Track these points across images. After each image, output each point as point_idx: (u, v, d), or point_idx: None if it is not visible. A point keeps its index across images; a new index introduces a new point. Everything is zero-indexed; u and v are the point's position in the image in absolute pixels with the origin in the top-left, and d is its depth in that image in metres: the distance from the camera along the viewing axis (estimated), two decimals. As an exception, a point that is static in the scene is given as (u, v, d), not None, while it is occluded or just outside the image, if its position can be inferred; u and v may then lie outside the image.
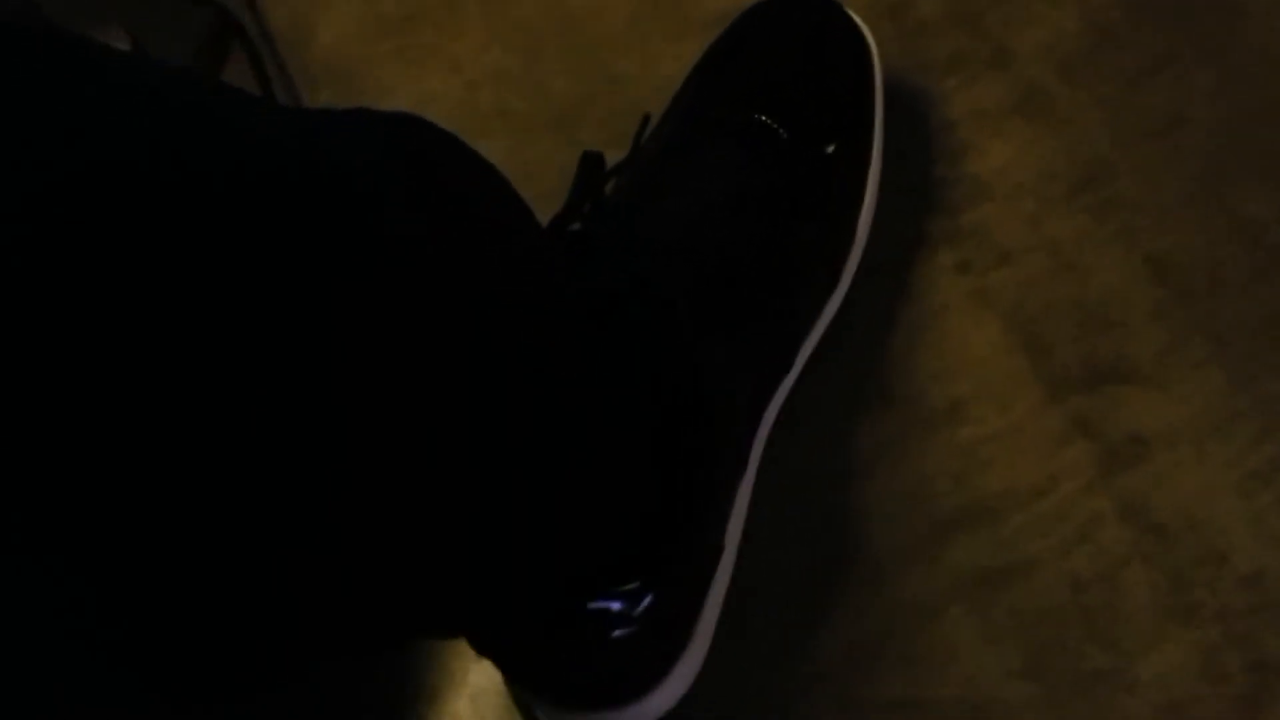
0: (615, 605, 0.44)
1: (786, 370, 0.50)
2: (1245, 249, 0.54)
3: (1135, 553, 0.50)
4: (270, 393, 0.27)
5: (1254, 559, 0.50)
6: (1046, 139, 0.56)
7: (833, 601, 0.51)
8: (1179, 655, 0.49)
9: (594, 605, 0.44)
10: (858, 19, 0.54)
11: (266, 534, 0.28)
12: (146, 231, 0.26)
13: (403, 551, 0.32)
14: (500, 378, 0.34)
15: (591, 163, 0.49)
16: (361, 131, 0.33)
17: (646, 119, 0.52)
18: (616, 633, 0.44)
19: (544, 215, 0.46)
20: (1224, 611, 0.49)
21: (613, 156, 0.53)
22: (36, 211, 0.24)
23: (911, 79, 0.58)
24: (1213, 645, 0.49)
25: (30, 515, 0.25)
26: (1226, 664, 0.49)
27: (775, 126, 0.51)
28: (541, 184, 0.50)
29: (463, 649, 0.51)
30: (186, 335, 0.26)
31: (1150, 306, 0.53)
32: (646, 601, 0.44)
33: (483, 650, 0.45)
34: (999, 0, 0.59)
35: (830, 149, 0.51)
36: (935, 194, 0.56)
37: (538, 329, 0.36)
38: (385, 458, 0.30)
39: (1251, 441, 0.51)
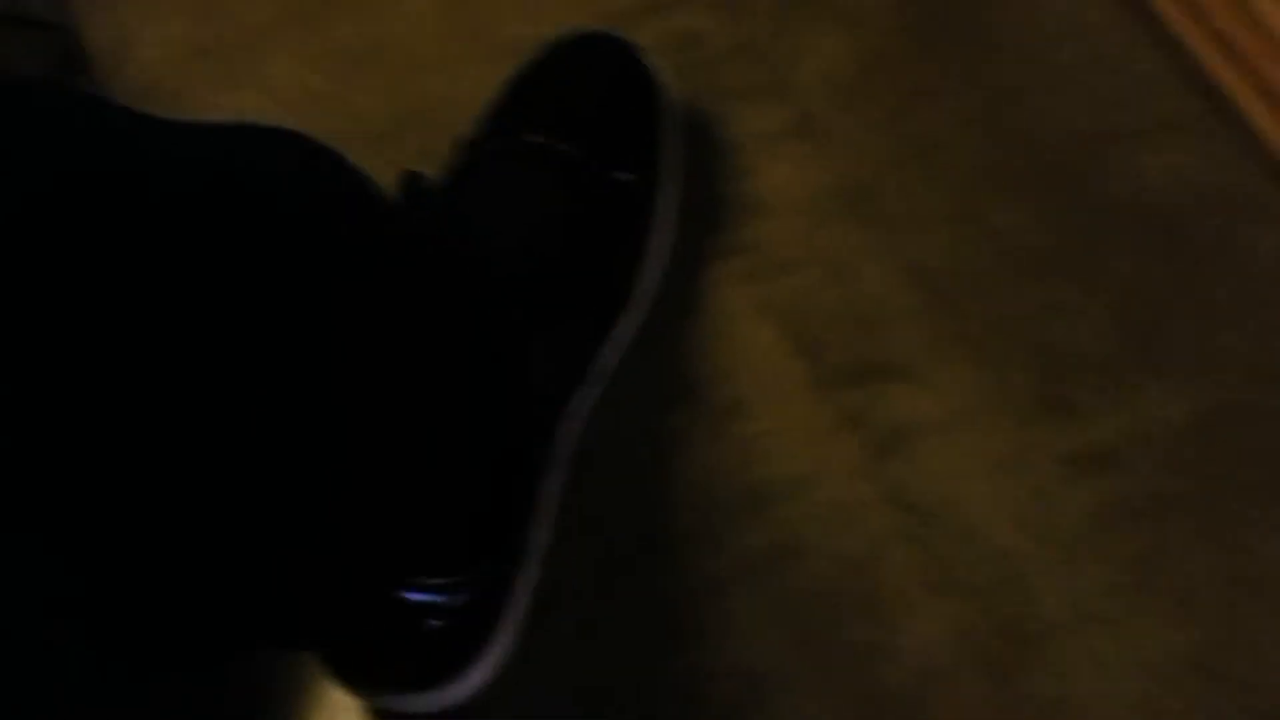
0: (434, 598, 0.46)
1: (584, 376, 0.54)
2: (996, 258, 0.60)
3: (897, 534, 0.55)
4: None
5: (1005, 538, 0.55)
6: (820, 160, 0.62)
7: (629, 581, 0.54)
8: (937, 627, 0.54)
9: (412, 597, 0.46)
10: (648, 59, 0.59)
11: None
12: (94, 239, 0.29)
13: (237, 537, 0.34)
14: (361, 353, 0.37)
15: (411, 181, 0.52)
16: (268, 140, 0.37)
17: (458, 142, 0.55)
18: (432, 622, 0.47)
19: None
20: (978, 588, 0.54)
21: (426, 173, 0.56)
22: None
23: (701, 106, 0.63)
24: (967, 615, 0.54)
25: (28, 509, 0.27)
26: (979, 633, 0.54)
27: (573, 152, 0.55)
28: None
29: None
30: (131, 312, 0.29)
31: (911, 311, 0.59)
32: (462, 596, 0.47)
33: (306, 644, 0.47)
34: (781, 34, 0.64)
35: (624, 175, 0.56)
36: (724, 210, 0.61)
37: (409, 305, 0.40)
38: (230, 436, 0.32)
39: (1000, 432, 0.57)
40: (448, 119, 0.60)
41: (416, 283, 0.43)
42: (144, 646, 0.32)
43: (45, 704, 0.28)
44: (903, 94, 0.63)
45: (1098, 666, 0.53)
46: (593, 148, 0.56)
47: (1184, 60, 0.62)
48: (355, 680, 0.50)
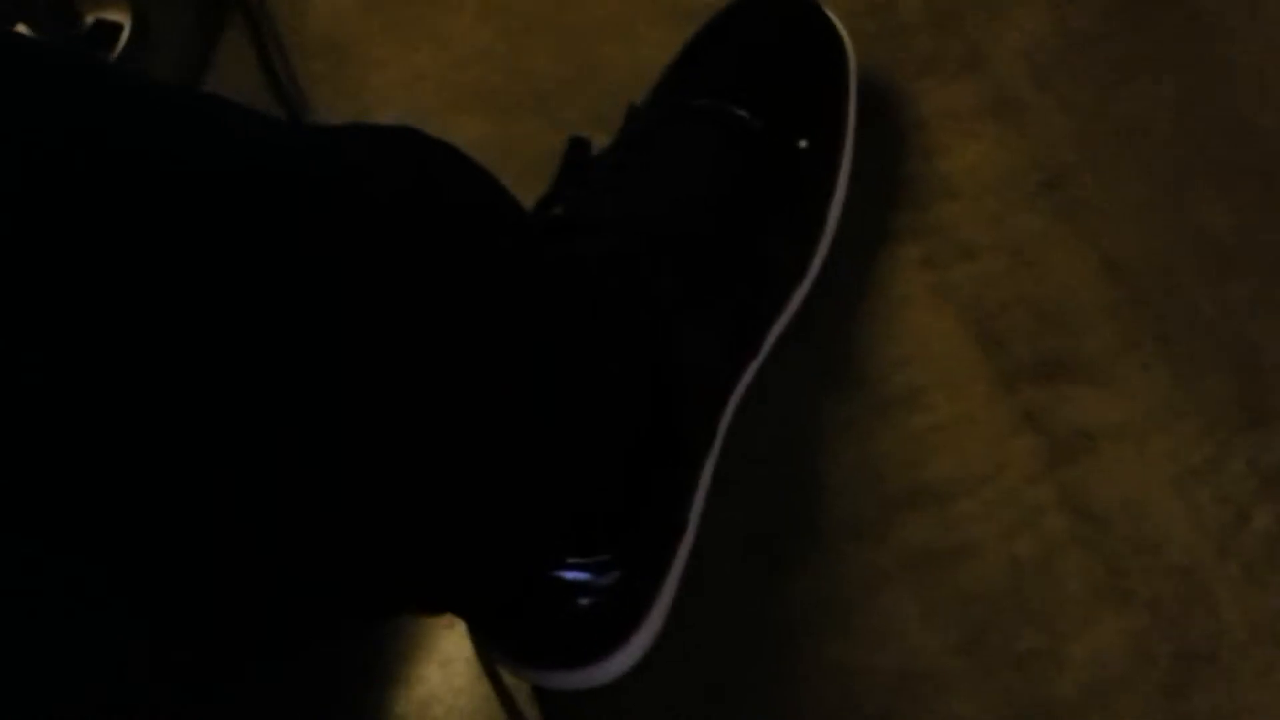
0: (584, 576, 0.46)
1: (755, 355, 0.53)
2: (1197, 255, 0.56)
3: (1074, 540, 0.52)
4: (276, 379, 0.28)
5: (1187, 551, 0.52)
6: (1014, 141, 0.58)
7: (784, 569, 0.53)
8: (1109, 639, 0.51)
9: (564, 575, 0.46)
10: (836, 20, 0.56)
11: (260, 512, 0.29)
12: (150, 227, 0.27)
13: (394, 524, 0.33)
14: (486, 358, 0.36)
15: (577, 149, 0.51)
16: (371, 141, 0.35)
17: (633, 108, 0.54)
18: (582, 601, 0.47)
19: (520, 192, 0.48)
20: (1155, 600, 0.51)
21: (594, 139, 0.55)
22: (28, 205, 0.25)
23: (889, 77, 0.60)
24: (1142, 631, 0.51)
25: (39, 504, 0.25)
26: (1154, 650, 0.51)
27: (750, 118, 0.53)
28: (521, 162, 0.52)
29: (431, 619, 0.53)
30: (192, 335, 0.27)
31: (1103, 306, 0.55)
32: (613, 575, 0.46)
33: (453, 608, 0.47)
34: (978, 4, 0.61)
35: (803, 143, 0.53)
36: (904, 189, 0.58)
37: (523, 311, 0.38)
38: (379, 431, 0.32)
39: (1192, 440, 0.54)
40: (620, 82, 0.58)
41: (541, 292, 0.41)
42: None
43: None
44: (1107, 75, 0.59)
45: (1275, 689, 0.49)
46: (773, 113, 0.53)
47: None
48: (503, 652, 0.50)
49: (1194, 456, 0.53)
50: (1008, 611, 0.51)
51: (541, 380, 0.38)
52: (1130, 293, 0.56)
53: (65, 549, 0.26)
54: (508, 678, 0.51)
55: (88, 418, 0.26)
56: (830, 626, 0.52)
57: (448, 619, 0.53)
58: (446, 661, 0.53)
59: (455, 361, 0.34)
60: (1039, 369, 0.55)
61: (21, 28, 1.09)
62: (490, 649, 0.51)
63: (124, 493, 0.26)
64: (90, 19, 1.14)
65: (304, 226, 0.30)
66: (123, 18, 1.12)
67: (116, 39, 1.08)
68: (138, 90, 0.29)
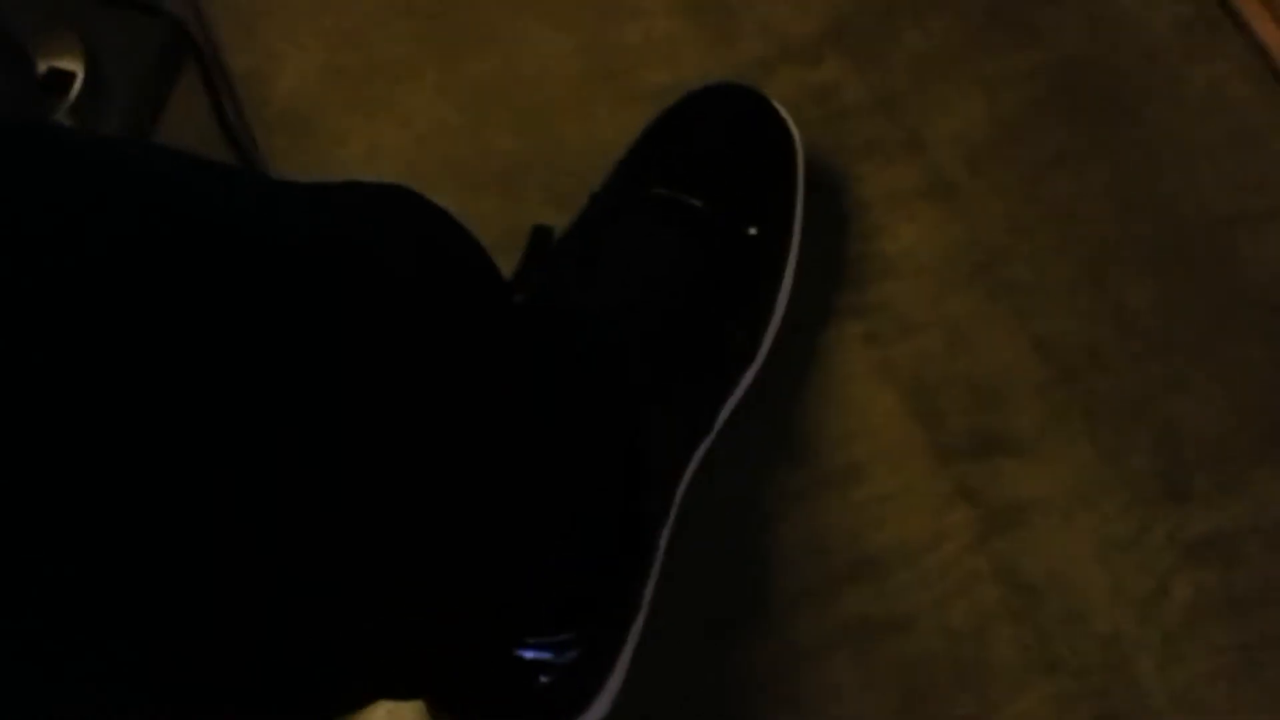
0: (545, 655, 0.47)
1: (709, 432, 0.55)
2: (1121, 334, 0.59)
3: (1006, 610, 0.55)
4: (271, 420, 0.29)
5: (1111, 620, 0.55)
6: (950, 223, 0.61)
7: (732, 638, 0.55)
8: (1036, 705, 0.54)
9: (525, 654, 0.48)
10: (785, 113, 0.59)
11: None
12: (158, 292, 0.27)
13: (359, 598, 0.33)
14: (475, 430, 0.36)
15: (541, 237, 0.52)
16: (368, 201, 0.37)
17: (593, 195, 0.56)
18: (541, 679, 0.48)
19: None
20: (1081, 669, 0.54)
21: (552, 217, 0.57)
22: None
23: (831, 160, 0.63)
24: (1068, 696, 0.54)
25: (35, 528, 0.26)
26: (1078, 715, 0.54)
27: (703, 207, 0.55)
28: (485, 239, 0.54)
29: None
30: (198, 344, 0.28)
31: (1034, 383, 0.59)
32: (571, 655, 0.48)
33: (419, 687, 0.48)
34: (917, 91, 0.64)
35: (753, 230, 0.56)
36: (848, 269, 0.61)
37: (512, 386, 0.39)
38: (407, 459, 0.32)
39: (1116, 512, 0.57)
40: (577, 161, 0.61)
41: (526, 358, 0.42)
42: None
43: None
44: (1038, 161, 0.62)
45: (1195, 753, 0.53)
46: (724, 202, 0.56)
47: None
48: None
49: (1117, 529, 0.56)
50: (943, 678, 0.54)
51: (522, 459, 0.39)
52: (1059, 371, 0.59)
53: (61, 553, 0.26)
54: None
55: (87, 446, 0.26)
56: (777, 693, 0.54)
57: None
58: (394, 709, 0.55)
59: (444, 429, 0.35)
60: (974, 444, 0.58)
61: (-27, 71, 1.09)
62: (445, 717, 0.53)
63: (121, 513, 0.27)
64: (44, 67, 1.14)
65: (304, 294, 0.31)
66: (76, 66, 1.12)
67: (69, 88, 1.08)
68: (133, 159, 0.30)
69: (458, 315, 0.36)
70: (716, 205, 0.55)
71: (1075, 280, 0.60)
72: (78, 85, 1.10)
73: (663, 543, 0.53)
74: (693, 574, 0.56)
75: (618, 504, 0.48)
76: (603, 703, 0.51)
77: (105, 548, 0.26)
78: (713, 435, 0.56)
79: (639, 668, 0.53)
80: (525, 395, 0.41)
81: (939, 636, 0.55)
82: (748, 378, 0.57)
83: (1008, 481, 0.57)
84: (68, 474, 0.26)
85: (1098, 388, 0.59)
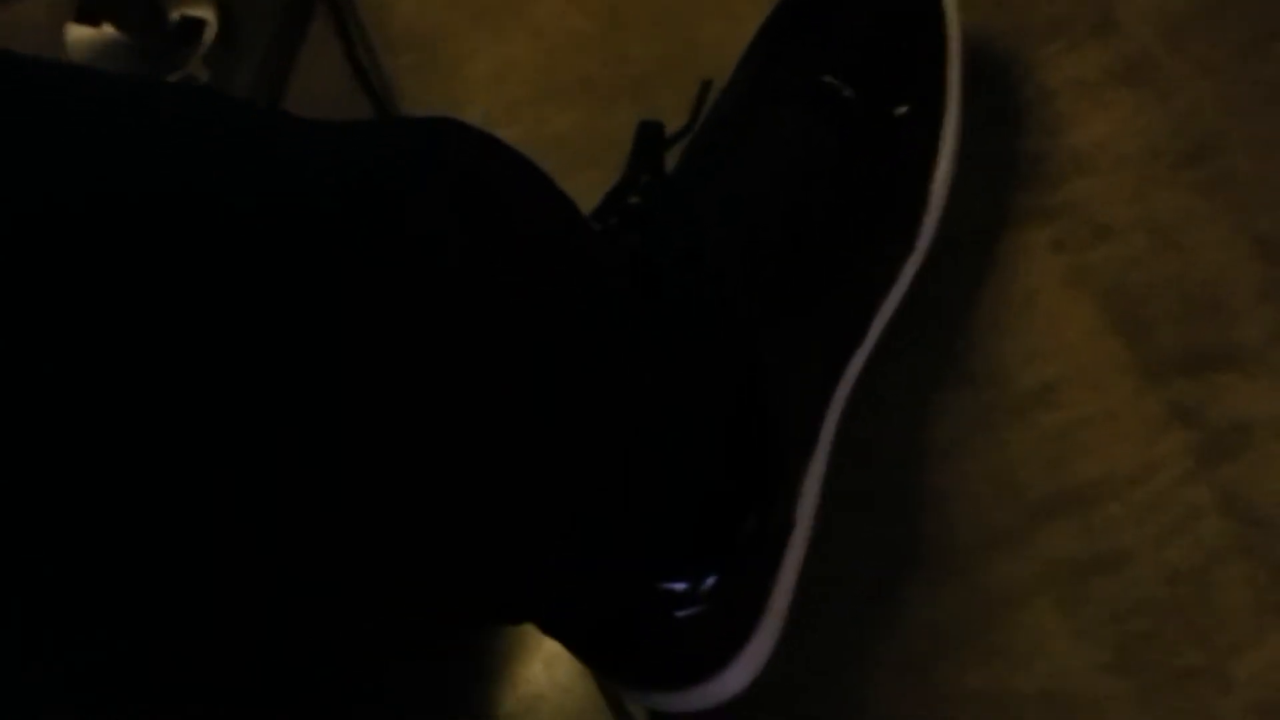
0: (679, 585, 0.43)
1: (859, 342, 0.49)
2: (1363, 228, 0.51)
3: (1236, 546, 0.48)
4: (284, 395, 0.27)
5: (1362, 556, 0.47)
6: (1152, 110, 0.54)
7: (913, 587, 0.49)
8: (1278, 654, 0.47)
9: (658, 586, 0.43)
10: None
11: (295, 528, 0.28)
12: (149, 250, 0.26)
13: (454, 543, 0.32)
14: (548, 374, 0.33)
15: (649, 133, 0.47)
16: (398, 141, 0.32)
17: (708, 85, 0.50)
18: (682, 613, 0.44)
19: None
20: (1327, 611, 0.47)
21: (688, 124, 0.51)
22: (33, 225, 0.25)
23: (1009, 43, 0.56)
24: (1315, 645, 0.47)
25: (36, 520, 0.25)
26: (1329, 665, 0.47)
27: (841, 88, 0.49)
28: (619, 152, 0.49)
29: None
30: (195, 341, 0.26)
31: (1258, 288, 0.51)
32: (711, 581, 0.43)
33: (549, 631, 0.44)
34: (1105, -38, 0.56)
35: (901, 110, 0.49)
36: (1030, 166, 0.54)
37: (583, 324, 0.35)
38: (418, 457, 0.30)
39: (1364, 431, 0.49)
40: (720, 64, 0.55)
41: (601, 299, 0.38)
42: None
43: None
44: (1253, 34, 0.54)
45: None
46: (867, 80, 0.50)
47: None
48: (608, 676, 0.47)
49: (1367, 451, 0.49)
50: (1165, 626, 0.47)
51: (598, 388, 0.36)
52: (1288, 273, 0.51)
53: (60, 553, 0.25)
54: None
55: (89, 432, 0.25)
56: (968, 650, 0.48)
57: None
58: (551, 660, 0.51)
59: (505, 373, 0.32)
60: (1188, 359, 0.50)
61: (107, 25, 1.09)
62: (598, 673, 0.49)
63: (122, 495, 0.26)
64: (176, 16, 1.13)
65: (331, 261, 0.28)
66: (208, 14, 1.11)
67: (200, 36, 1.07)
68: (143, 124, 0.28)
69: (495, 243, 0.33)
70: (855, 82, 0.49)
71: (1302, 169, 0.52)
72: (210, 34, 1.09)
73: (820, 462, 0.47)
74: (863, 517, 0.50)
75: (738, 424, 0.43)
76: (761, 641, 0.45)
77: (104, 547, 0.26)
78: (870, 345, 0.49)
79: (804, 624, 0.48)
80: (600, 321, 0.36)
81: (1157, 577, 0.48)
82: (905, 276, 0.50)
83: (1230, 400, 0.50)
84: (65, 473, 0.25)
85: (1335, 290, 0.51)
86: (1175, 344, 0.51)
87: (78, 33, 1.12)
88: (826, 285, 0.47)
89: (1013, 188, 0.54)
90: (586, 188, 0.52)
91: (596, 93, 0.58)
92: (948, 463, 0.51)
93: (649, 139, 0.48)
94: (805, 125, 0.48)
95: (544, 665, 0.51)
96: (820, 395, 0.47)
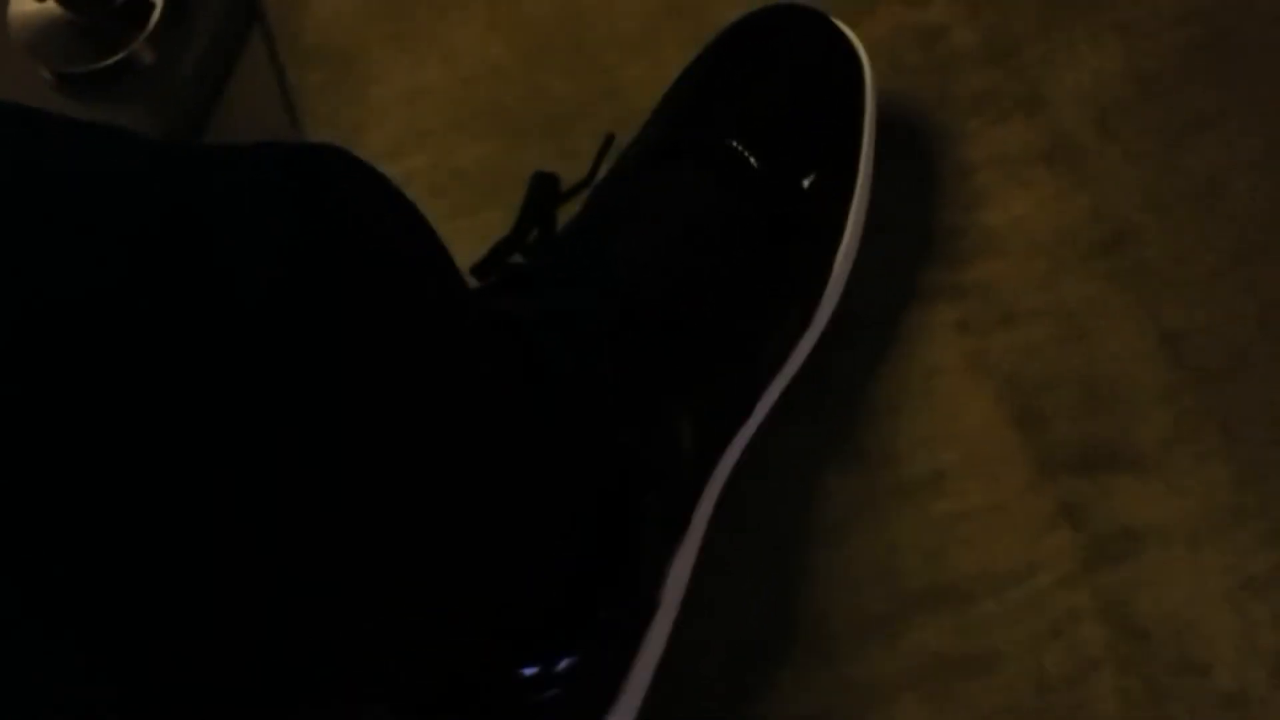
0: (531, 669, 0.41)
1: (743, 420, 0.47)
2: (1270, 335, 0.50)
3: (1111, 655, 0.47)
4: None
5: (1238, 675, 0.46)
6: (1072, 193, 0.52)
7: (780, 671, 0.48)
8: (1144, 771, 0.45)
9: (511, 668, 0.41)
10: (851, 34, 0.50)
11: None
12: None
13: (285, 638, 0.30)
14: (392, 436, 0.31)
15: (543, 186, 0.46)
16: (255, 173, 0.30)
17: (610, 139, 0.48)
18: (538, 695, 0.42)
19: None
20: (1199, 729, 0.46)
21: (603, 167, 0.50)
22: None
23: (932, 114, 0.54)
24: (1183, 765, 0.45)
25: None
26: (1195, 786, 0.45)
27: (746, 153, 0.47)
28: (523, 189, 0.48)
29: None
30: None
31: (1160, 388, 0.49)
32: (566, 664, 0.41)
33: (399, 714, 0.42)
34: (1039, 38, 0.54)
35: (808, 181, 0.48)
36: (942, 243, 0.52)
37: (434, 384, 0.33)
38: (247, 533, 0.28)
39: (1253, 546, 0.48)
40: (637, 107, 0.53)
41: (465, 363, 0.36)
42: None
43: None
44: (1180, 124, 0.52)
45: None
46: (775, 148, 0.48)
47: None
48: None
49: (1253, 567, 0.47)
50: (1030, 733, 0.46)
51: (447, 458, 0.34)
52: (1192, 375, 0.49)
53: (60, 553, 0.25)
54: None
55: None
56: (828, 741, 0.47)
57: None
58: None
59: (355, 441, 0.30)
60: (1083, 457, 0.49)
61: (51, 3, 1.06)
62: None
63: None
64: (122, -3, 1.10)
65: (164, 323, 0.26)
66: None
67: (148, 18, 1.04)
68: None
69: (344, 295, 0.30)
70: (762, 150, 0.47)
71: (1217, 267, 0.51)
72: (156, 16, 1.06)
73: (695, 538, 0.45)
74: (736, 591, 0.48)
75: (596, 503, 0.41)
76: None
77: (104, 547, 0.25)
78: (756, 421, 0.48)
79: (666, 698, 0.46)
80: (462, 388, 0.34)
81: (1029, 682, 0.46)
82: (799, 355, 0.49)
83: (1121, 502, 0.48)
84: (66, 473, 0.25)
85: (1237, 396, 0.49)
86: (1071, 439, 0.49)
87: (20, 6, 1.09)
88: (712, 360, 0.45)
89: (922, 263, 0.52)
90: (484, 226, 0.50)
91: (509, 127, 0.56)
92: (829, 543, 0.49)
93: (542, 192, 0.46)
94: (704, 189, 0.46)
95: None
96: (698, 472, 0.46)
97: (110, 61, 1.03)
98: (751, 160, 0.47)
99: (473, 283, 0.45)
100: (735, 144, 0.47)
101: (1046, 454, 0.49)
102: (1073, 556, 0.48)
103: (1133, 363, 0.50)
